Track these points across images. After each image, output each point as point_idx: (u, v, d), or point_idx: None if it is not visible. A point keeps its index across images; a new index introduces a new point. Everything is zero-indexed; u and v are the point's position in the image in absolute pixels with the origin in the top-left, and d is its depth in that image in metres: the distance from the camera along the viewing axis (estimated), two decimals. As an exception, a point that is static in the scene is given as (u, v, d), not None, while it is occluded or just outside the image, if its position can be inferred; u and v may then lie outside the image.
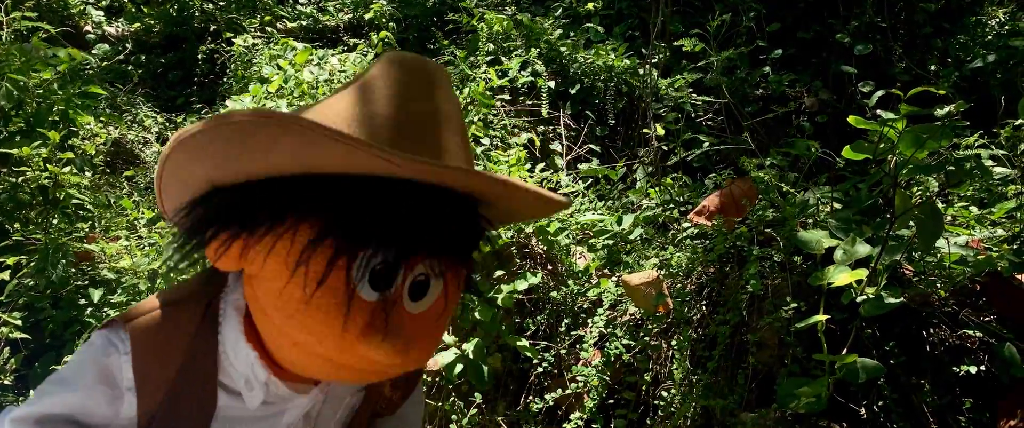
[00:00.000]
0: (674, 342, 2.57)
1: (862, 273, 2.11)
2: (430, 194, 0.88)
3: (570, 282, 2.94)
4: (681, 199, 3.29)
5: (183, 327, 1.00)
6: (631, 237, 3.03)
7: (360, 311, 0.87)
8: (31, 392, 2.64)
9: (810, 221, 2.61)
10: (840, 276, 2.11)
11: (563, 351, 2.78)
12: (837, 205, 2.64)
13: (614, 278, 2.87)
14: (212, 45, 5.48)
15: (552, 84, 4.58)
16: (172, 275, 1.10)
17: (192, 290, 1.04)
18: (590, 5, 5.53)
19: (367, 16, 5.77)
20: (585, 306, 2.88)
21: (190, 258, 0.97)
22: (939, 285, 2.38)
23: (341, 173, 0.85)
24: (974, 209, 2.83)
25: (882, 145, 2.20)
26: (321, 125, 0.78)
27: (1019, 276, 2.33)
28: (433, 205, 0.88)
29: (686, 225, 2.96)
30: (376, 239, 0.86)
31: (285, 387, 1.02)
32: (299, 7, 6.36)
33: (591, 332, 2.72)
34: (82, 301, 2.98)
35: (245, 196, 0.90)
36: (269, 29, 5.79)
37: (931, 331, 2.39)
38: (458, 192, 0.91)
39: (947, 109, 2.67)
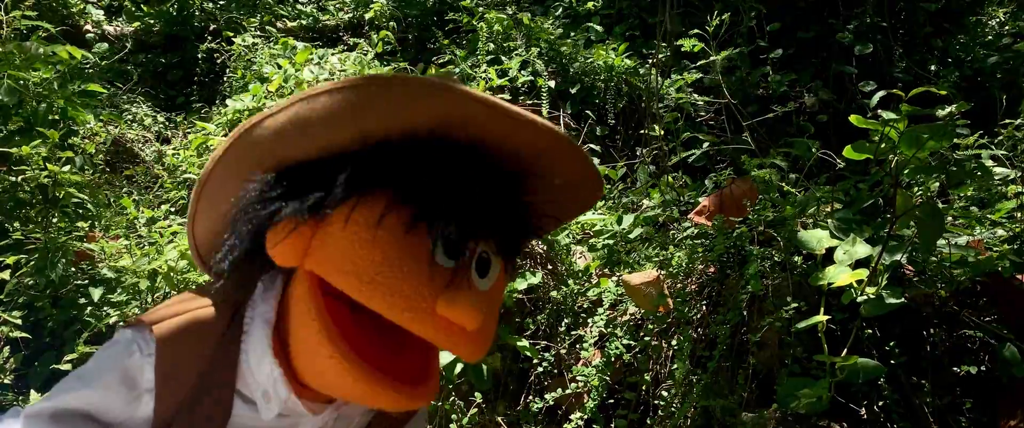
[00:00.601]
0: (674, 342, 2.56)
1: (862, 273, 2.11)
2: (498, 175, 0.94)
3: (570, 282, 2.94)
4: (681, 199, 3.29)
5: (208, 333, 1.00)
6: (631, 237, 3.03)
7: (439, 274, 0.90)
8: (31, 391, 2.64)
9: (810, 221, 2.61)
10: (841, 276, 2.11)
11: (563, 351, 2.78)
12: (838, 205, 2.64)
13: (614, 278, 2.86)
14: (212, 44, 5.47)
15: (552, 84, 4.58)
16: (212, 276, 1.10)
17: (218, 299, 1.04)
18: (590, 4, 5.52)
19: (367, 16, 5.76)
20: (585, 306, 2.88)
21: (234, 259, 0.97)
22: (940, 285, 2.38)
23: (407, 150, 0.90)
24: (975, 209, 2.83)
25: (883, 145, 2.19)
26: (429, 78, 0.86)
27: (1020, 276, 2.33)
28: (501, 185, 0.94)
29: (686, 225, 2.96)
30: (450, 209, 0.89)
31: (302, 405, 1.03)
32: (299, 6, 6.36)
33: (591, 332, 2.71)
34: (82, 300, 2.98)
35: (314, 174, 0.92)
36: (269, 28, 5.78)
37: (932, 331, 2.39)
38: (520, 182, 0.98)
39: (948, 109, 2.67)
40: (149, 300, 2.92)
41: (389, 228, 0.89)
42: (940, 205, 2.50)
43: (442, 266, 0.91)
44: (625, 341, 2.63)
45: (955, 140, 2.76)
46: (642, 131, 4.35)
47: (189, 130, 4.79)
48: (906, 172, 2.28)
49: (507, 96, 4.42)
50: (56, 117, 3.61)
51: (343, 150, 0.92)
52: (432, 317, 0.89)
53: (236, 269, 1.00)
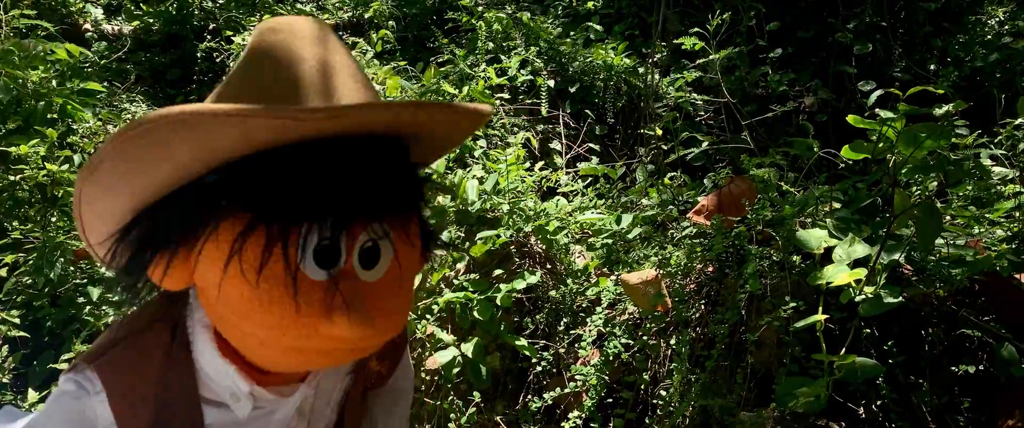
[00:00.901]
0: (673, 341, 2.56)
1: (861, 272, 2.11)
2: (350, 155, 0.83)
3: (569, 281, 2.94)
4: (680, 198, 3.29)
5: (152, 354, 0.97)
6: (630, 236, 3.03)
7: (311, 292, 0.84)
8: (30, 390, 2.64)
9: (809, 220, 2.61)
10: (839, 275, 2.11)
11: (562, 350, 2.78)
12: (836, 204, 2.64)
13: (613, 277, 2.86)
14: (211, 43, 5.47)
15: (551, 83, 4.58)
16: (127, 307, 1.04)
17: (153, 315, 1.00)
18: (590, 4, 5.53)
19: (367, 14, 5.76)
20: (584, 305, 2.88)
21: (137, 289, 0.93)
22: (938, 285, 2.38)
23: (251, 157, 0.80)
24: (973, 208, 2.83)
25: (881, 144, 2.19)
26: (203, 108, 0.72)
27: (1018, 276, 2.33)
28: (355, 165, 0.84)
29: (685, 224, 2.96)
30: (306, 215, 0.82)
31: (269, 392, 1.01)
32: (298, 5, 6.35)
33: (590, 331, 2.71)
34: (80, 299, 2.98)
35: (167, 209, 0.85)
36: (268, 27, 5.77)
37: (930, 331, 2.39)
38: (379, 144, 0.87)
39: (946, 108, 2.66)
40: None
41: (240, 268, 0.82)
42: (938, 204, 2.50)
43: (315, 280, 0.84)
44: (623, 340, 2.63)
45: (953, 139, 2.76)
46: (641, 130, 4.35)
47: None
48: (904, 171, 2.28)
49: (506, 95, 4.42)
50: (55, 116, 3.61)
51: (185, 179, 0.83)
52: (320, 337, 0.84)
53: (157, 293, 0.97)
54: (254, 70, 0.90)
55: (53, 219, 3.19)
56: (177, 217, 0.85)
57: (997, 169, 2.82)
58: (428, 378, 2.77)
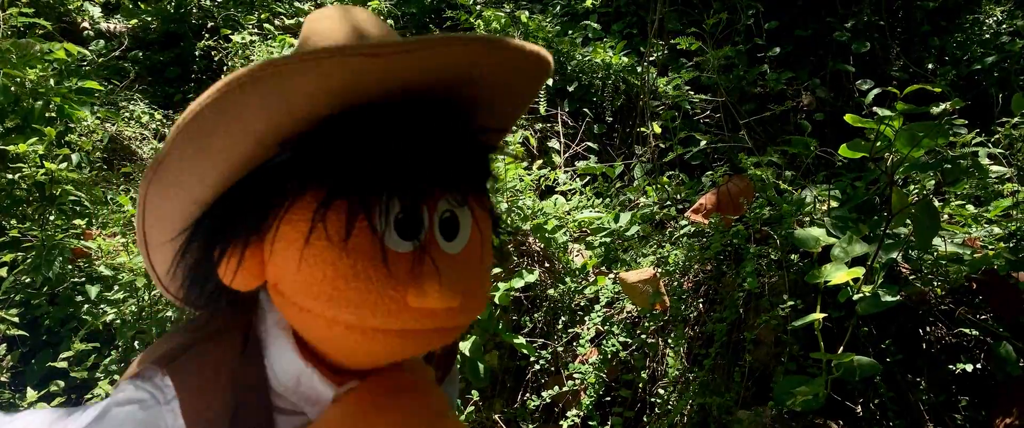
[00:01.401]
0: (671, 340, 2.57)
1: (859, 271, 2.11)
2: (422, 122, 0.81)
3: (567, 280, 2.94)
4: (678, 197, 3.30)
5: (226, 360, 0.91)
6: (628, 235, 3.03)
7: (397, 263, 0.81)
8: (28, 389, 2.63)
9: (807, 219, 2.61)
10: (837, 274, 2.11)
11: (560, 348, 2.78)
12: (834, 203, 2.64)
13: (611, 276, 2.87)
14: (210, 41, 5.46)
15: (550, 82, 4.58)
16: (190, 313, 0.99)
17: (223, 322, 0.95)
18: (588, 2, 5.52)
19: (365, 13, 5.75)
20: (582, 304, 2.88)
21: (208, 293, 0.89)
22: (936, 283, 2.39)
23: (322, 131, 0.78)
24: (970, 207, 2.84)
25: (879, 143, 2.20)
26: (274, 59, 0.70)
27: (1015, 274, 2.34)
28: (430, 132, 0.82)
29: (683, 223, 2.96)
30: (386, 185, 0.79)
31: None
32: (297, 4, 6.35)
33: (588, 329, 2.72)
34: (78, 298, 2.98)
35: (236, 198, 0.83)
36: (267, 26, 5.78)
37: (927, 329, 2.40)
38: (442, 111, 0.84)
39: (943, 107, 2.66)
40: (146, 297, 2.92)
41: (331, 229, 0.79)
42: (936, 203, 2.51)
43: (400, 252, 0.81)
44: (622, 339, 2.64)
45: (951, 138, 2.76)
46: (639, 129, 4.35)
47: (186, 128, 4.77)
48: (902, 170, 2.29)
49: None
50: (53, 115, 3.61)
51: (254, 160, 0.82)
52: (409, 312, 0.81)
53: (225, 301, 0.92)
54: (304, 45, 0.88)
55: (51, 218, 3.19)
56: (248, 204, 0.82)
57: (995, 168, 2.82)
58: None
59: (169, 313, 2.88)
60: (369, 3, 5.72)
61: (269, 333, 0.93)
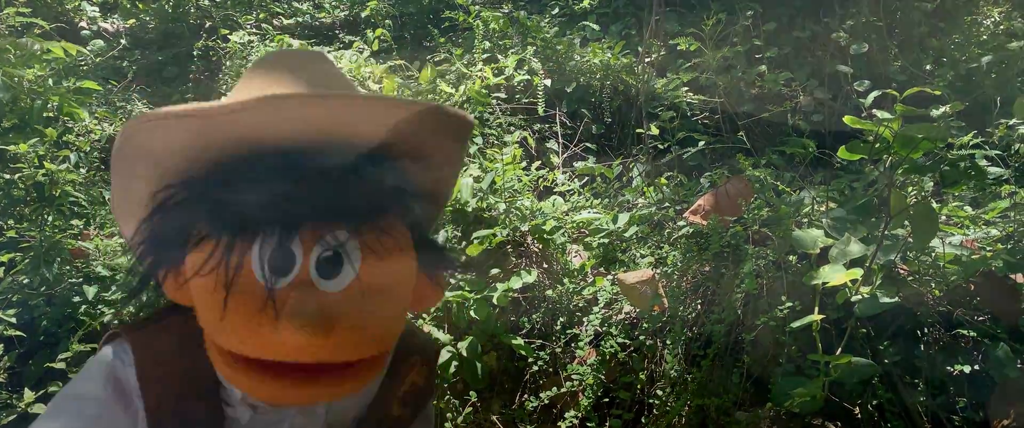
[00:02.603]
0: (669, 341, 2.57)
1: (857, 272, 2.11)
2: (305, 163, 0.85)
3: (566, 280, 2.94)
4: (676, 198, 3.30)
5: (185, 336, 0.97)
6: (626, 235, 3.04)
7: (258, 298, 0.85)
8: (26, 390, 2.63)
9: (805, 220, 2.61)
10: (835, 275, 2.11)
11: (558, 350, 2.78)
12: (832, 204, 2.64)
13: (609, 277, 2.87)
14: (208, 41, 5.46)
15: (548, 82, 4.58)
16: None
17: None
18: (586, 3, 5.53)
19: (363, 13, 5.76)
20: (580, 304, 2.88)
21: (140, 294, 1.00)
22: (933, 285, 2.39)
23: (211, 172, 0.87)
24: (968, 209, 2.84)
25: (877, 145, 2.20)
26: (137, 118, 0.84)
27: (1013, 276, 2.34)
28: (306, 172, 0.85)
29: (681, 224, 2.96)
30: (251, 223, 0.84)
31: (266, 404, 1.00)
32: (295, 4, 6.35)
33: (586, 330, 2.72)
34: (76, 298, 2.97)
35: (158, 225, 0.93)
36: (265, 26, 5.77)
37: (925, 330, 2.40)
38: (352, 155, 0.88)
39: (942, 109, 2.67)
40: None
41: (213, 260, 0.85)
42: (934, 205, 2.51)
43: (265, 286, 0.85)
44: (620, 340, 2.64)
45: (949, 140, 2.77)
46: (638, 130, 4.36)
47: (184, 127, 4.76)
48: (900, 172, 2.29)
49: (503, 95, 4.42)
50: (51, 115, 3.60)
51: (146, 201, 0.93)
52: (275, 345, 0.84)
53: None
54: (240, 85, 0.97)
55: (49, 218, 3.18)
56: (170, 234, 0.91)
57: (992, 169, 2.83)
58: (425, 377, 2.77)
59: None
60: (368, 3, 5.72)
61: None
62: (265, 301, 0.84)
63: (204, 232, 0.87)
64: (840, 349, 2.16)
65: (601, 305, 2.76)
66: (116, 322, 2.85)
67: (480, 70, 4.42)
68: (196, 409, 0.98)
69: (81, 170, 3.57)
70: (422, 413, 1.24)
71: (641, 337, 2.64)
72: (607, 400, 2.66)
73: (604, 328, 2.71)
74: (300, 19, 6.09)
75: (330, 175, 0.86)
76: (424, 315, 2.79)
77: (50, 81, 3.70)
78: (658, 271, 2.72)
